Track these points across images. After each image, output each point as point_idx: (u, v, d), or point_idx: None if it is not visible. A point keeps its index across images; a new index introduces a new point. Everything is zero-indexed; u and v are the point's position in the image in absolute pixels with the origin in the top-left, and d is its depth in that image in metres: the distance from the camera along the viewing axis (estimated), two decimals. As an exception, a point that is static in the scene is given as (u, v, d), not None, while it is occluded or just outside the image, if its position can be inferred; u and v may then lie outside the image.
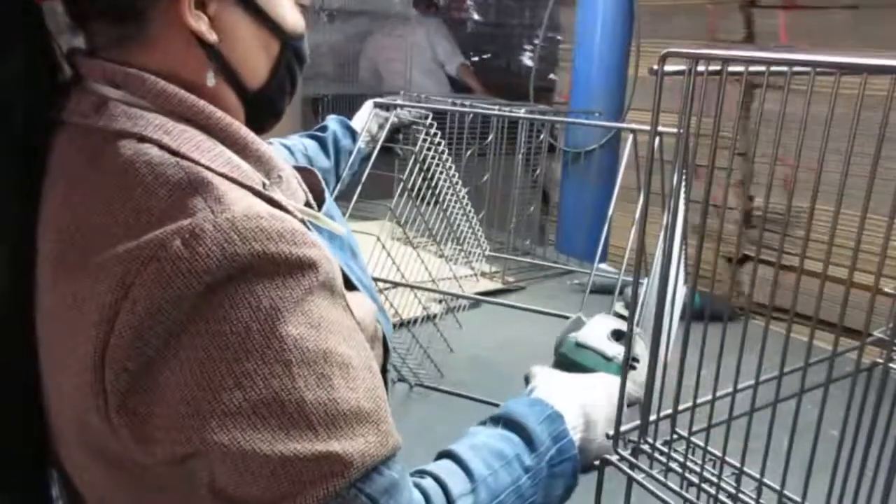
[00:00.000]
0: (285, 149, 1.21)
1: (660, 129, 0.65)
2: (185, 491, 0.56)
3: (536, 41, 3.42)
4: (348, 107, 3.89)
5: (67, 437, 0.60)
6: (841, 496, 0.60)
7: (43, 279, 0.58)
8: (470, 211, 2.08)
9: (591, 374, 0.81)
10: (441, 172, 1.82)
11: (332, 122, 1.40)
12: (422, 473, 0.65)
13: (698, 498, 0.68)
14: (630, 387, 0.76)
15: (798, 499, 0.63)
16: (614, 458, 0.73)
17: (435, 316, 1.84)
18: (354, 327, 0.60)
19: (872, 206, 0.52)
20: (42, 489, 0.68)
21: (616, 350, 0.83)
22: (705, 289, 0.72)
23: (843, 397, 0.60)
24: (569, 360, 0.84)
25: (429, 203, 1.83)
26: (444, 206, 1.93)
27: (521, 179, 2.54)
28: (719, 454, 0.68)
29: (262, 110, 0.70)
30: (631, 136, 1.41)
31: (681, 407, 0.71)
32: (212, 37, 0.63)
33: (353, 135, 1.42)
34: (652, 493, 0.69)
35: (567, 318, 0.90)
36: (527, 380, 0.83)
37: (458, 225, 2.07)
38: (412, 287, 1.57)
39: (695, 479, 0.68)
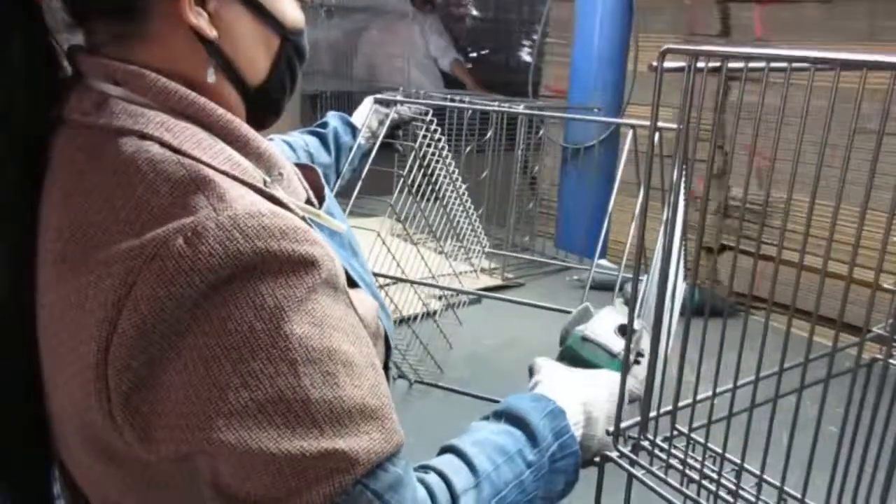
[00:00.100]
0: (286, 145, 1.21)
1: (659, 124, 0.65)
2: (188, 488, 0.57)
3: (535, 37, 3.42)
4: (347, 103, 3.89)
5: (69, 435, 0.60)
6: (841, 492, 0.60)
7: (44, 278, 0.58)
8: (469, 207, 2.08)
9: (593, 370, 0.81)
10: (441, 169, 1.82)
11: (333, 118, 1.40)
12: (425, 469, 0.65)
13: (698, 494, 0.68)
14: (632, 383, 0.76)
15: (798, 495, 0.63)
16: (615, 454, 0.74)
17: (435, 313, 1.85)
18: (358, 324, 0.60)
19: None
20: (43, 487, 0.68)
21: (622, 346, 0.83)
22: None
23: (843, 393, 0.60)
24: (574, 354, 0.84)
25: (428, 199, 1.83)
26: (444, 203, 1.93)
27: (520, 176, 2.55)
28: (719, 450, 0.68)
29: (263, 106, 0.70)
30: (630, 132, 1.41)
31: (681, 403, 0.71)
32: (212, 33, 0.62)
33: (354, 131, 1.42)
34: (652, 489, 0.69)
35: (568, 312, 0.89)
36: (531, 371, 0.83)
37: (458, 221, 2.07)
38: (412, 283, 1.57)
39: (695, 476, 0.68)
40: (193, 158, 0.57)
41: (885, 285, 0.72)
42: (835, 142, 0.56)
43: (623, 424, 0.73)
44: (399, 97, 1.59)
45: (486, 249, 2.27)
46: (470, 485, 0.64)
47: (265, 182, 0.61)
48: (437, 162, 1.78)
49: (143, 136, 0.57)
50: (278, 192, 0.61)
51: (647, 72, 2.40)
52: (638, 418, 0.73)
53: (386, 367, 0.75)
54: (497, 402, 0.76)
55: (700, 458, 0.69)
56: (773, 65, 0.58)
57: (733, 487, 0.66)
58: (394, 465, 0.57)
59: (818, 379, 0.62)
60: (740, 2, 2.28)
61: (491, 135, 2.48)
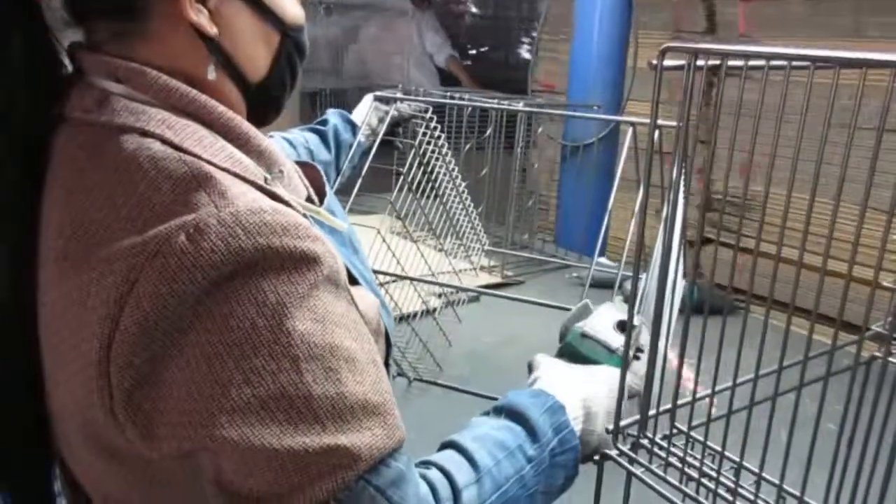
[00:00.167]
0: (286, 142, 1.21)
1: (659, 122, 0.65)
2: (190, 486, 0.57)
3: (534, 34, 3.43)
4: (346, 101, 3.89)
5: (70, 433, 0.60)
6: (839, 490, 0.60)
7: (45, 276, 0.58)
8: (469, 205, 2.08)
9: (593, 366, 0.82)
10: (441, 166, 1.82)
11: (333, 115, 1.40)
12: (427, 464, 0.65)
13: (697, 492, 0.68)
14: (631, 379, 0.76)
15: (797, 493, 0.63)
16: (614, 452, 0.74)
17: (434, 310, 1.85)
18: (359, 321, 0.60)
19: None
20: (44, 486, 0.68)
21: (621, 342, 0.83)
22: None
23: (842, 391, 0.60)
24: (573, 350, 0.84)
25: (428, 196, 1.83)
26: (444, 200, 1.93)
27: (520, 174, 2.54)
28: (718, 448, 0.68)
29: (264, 103, 0.70)
30: (630, 129, 1.41)
31: (680, 402, 0.71)
32: (212, 30, 0.62)
33: (354, 128, 1.42)
34: (651, 487, 0.69)
35: (568, 310, 0.90)
36: (530, 368, 0.83)
37: (458, 219, 2.07)
38: (412, 280, 1.57)
39: (694, 474, 0.68)
40: (195, 156, 0.57)
41: (885, 283, 0.73)
42: (833, 139, 0.56)
43: (622, 423, 0.73)
44: (399, 95, 1.60)
45: (486, 247, 2.27)
46: (471, 480, 0.64)
47: (266, 179, 0.61)
48: (437, 160, 1.78)
49: (145, 134, 0.57)
50: (279, 190, 0.61)
51: (646, 68, 2.41)
52: (637, 416, 0.73)
53: (386, 365, 0.76)
54: (496, 399, 0.76)
55: (699, 456, 0.69)
56: (774, 63, 0.58)
57: (732, 485, 0.66)
58: (396, 460, 0.57)
59: (817, 377, 0.62)
60: (726, -3, 2.31)
61: (491, 132, 2.48)
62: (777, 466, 0.63)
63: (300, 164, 0.76)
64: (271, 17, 0.67)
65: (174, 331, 0.52)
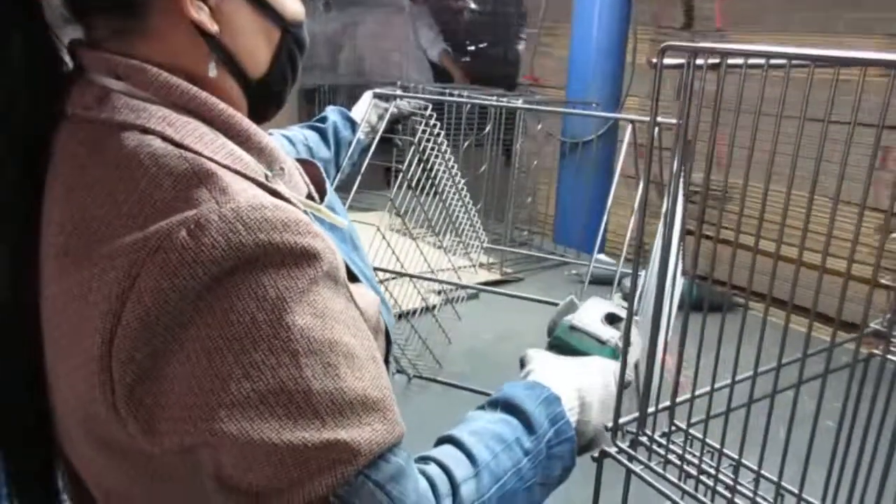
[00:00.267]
0: (286, 140, 1.21)
1: (659, 119, 0.66)
2: (191, 481, 0.57)
3: (528, 30, 3.43)
4: (345, 97, 3.89)
5: (72, 428, 0.60)
6: (837, 487, 0.61)
7: (46, 271, 0.58)
8: (468, 202, 2.08)
9: (585, 357, 0.82)
10: (440, 164, 1.82)
11: (332, 112, 1.40)
12: (425, 459, 0.65)
13: (696, 489, 0.68)
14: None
15: (795, 490, 0.64)
16: (613, 450, 0.74)
17: (434, 307, 1.85)
18: (358, 317, 0.60)
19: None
20: (47, 481, 0.68)
21: (610, 333, 0.84)
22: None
23: (841, 388, 0.60)
24: (563, 343, 0.84)
25: (428, 194, 1.83)
26: (443, 197, 1.93)
27: (517, 171, 2.54)
28: (717, 446, 0.69)
29: (265, 99, 0.70)
30: (630, 126, 1.41)
31: (679, 399, 0.71)
32: (213, 27, 0.62)
33: (353, 125, 1.42)
34: (650, 484, 0.69)
35: (565, 306, 0.90)
36: (522, 363, 0.83)
37: (457, 216, 2.07)
38: (412, 277, 1.57)
39: (693, 471, 0.69)
40: (195, 152, 0.57)
41: (883, 281, 0.73)
42: (832, 136, 0.56)
43: (621, 420, 0.74)
44: (398, 91, 1.59)
45: (485, 244, 2.27)
46: (470, 474, 0.65)
47: (267, 177, 0.61)
48: (436, 157, 1.78)
49: (145, 131, 0.57)
50: (280, 187, 0.61)
51: (644, 64, 2.42)
52: (636, 414, 0.73)
53: (386, 362, 0.76)
54: (496, 396, 0.76)
55: (698, 454, 0.69)
56: (774, 61, 0.59)
57: (731, 482, 0.66)
58: (395, 455, 0.58)
59: (816, 374, 0.63)
60: (704, -7, 2.36)
61: (490, 129, 2.48)
62: (776, 463, 0.64)
63: (301, 161, 0.76)
64: (272, 13, 0.67)
65: (175, 325, 0.52)
